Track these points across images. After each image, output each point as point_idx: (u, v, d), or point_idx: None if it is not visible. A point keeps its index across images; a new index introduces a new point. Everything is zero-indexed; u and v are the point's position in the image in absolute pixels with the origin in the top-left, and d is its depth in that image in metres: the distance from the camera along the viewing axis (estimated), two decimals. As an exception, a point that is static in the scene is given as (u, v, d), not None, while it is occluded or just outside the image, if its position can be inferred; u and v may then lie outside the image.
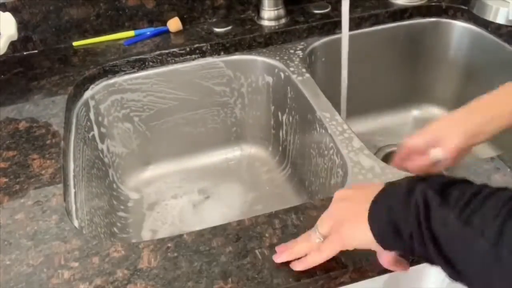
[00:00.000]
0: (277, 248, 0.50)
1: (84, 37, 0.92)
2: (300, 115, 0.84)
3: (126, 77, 0.87)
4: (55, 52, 0.90)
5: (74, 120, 0.77)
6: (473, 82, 0.97)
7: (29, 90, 0.80)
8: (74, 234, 0.54)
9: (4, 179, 0.62)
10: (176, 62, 0.89)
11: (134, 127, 0.92)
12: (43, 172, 0.63)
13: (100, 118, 0.86)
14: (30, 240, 0.53)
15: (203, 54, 0.90)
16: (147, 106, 0.91)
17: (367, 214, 0.43)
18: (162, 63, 0.88)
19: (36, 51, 0.91)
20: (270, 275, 0.48)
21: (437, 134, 0.59)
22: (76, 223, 0.58)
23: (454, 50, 0.99)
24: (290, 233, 0.52)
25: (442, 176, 0.42)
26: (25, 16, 0.87)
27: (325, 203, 0.52)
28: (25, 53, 0.91)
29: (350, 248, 0.45)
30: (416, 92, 1.06)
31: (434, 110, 1.07)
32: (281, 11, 0.94)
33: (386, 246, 0.43)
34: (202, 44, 0.89)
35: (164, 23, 0.94)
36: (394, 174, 0.61)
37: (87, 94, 0.83)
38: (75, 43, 0.92)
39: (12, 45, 0.87)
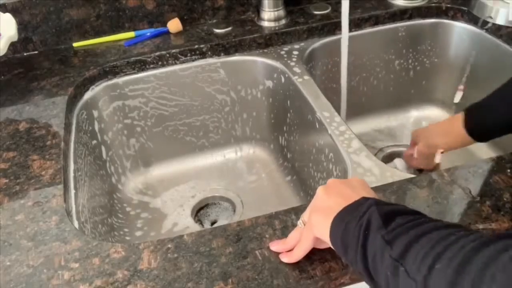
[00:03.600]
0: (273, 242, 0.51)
1: (84, 38, 0.92)
2: (300, 116, 0.84)
3: (126, 78, 0.87)
4: (55, 53, 0.90)
5: (74, 121, 0.77)
6: (473, 83, 0.97)
7: (29, 91, 0.80)
8: (74, 235, 0.54)
9: (4, 180, 0.62)
10: (176, 63, 0.89)
11: (135, 130, 0.92)
12: (43, 173, 0.63)
13: (102, 125, 0.86)
14: (30, 241, 0.53)
15: (203, 55, 0.90)
16: (148, 112, 0.91)
17: (332, 219, 0.45)
18: (162, 64, 0.88)
19: (36, 52, 0.91)
20: (270, 276, 0.48)
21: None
22: (76, 224, 0.58)
23: (454, 51, 0.99)
24: (290, 233, 0.52)
25: (398, 204, 0.44)
26: (25, 17, 0.87)
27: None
28: (25, 54, 0.91)
29: (317, 236, 0.47)
30: (416, 93, 1.06)
31: (434, 111, 1.07)
32: (281, 12, 0.94)
33: (338, 253, 0.46)
34: (202, 45, 0.89)
35: (164, 24, 0.94)
36: (393, 176, 0.61)
37: (87, 95, 0.83)
38: (75, 44, 0.92)
39: (13, 46, 0.87)
